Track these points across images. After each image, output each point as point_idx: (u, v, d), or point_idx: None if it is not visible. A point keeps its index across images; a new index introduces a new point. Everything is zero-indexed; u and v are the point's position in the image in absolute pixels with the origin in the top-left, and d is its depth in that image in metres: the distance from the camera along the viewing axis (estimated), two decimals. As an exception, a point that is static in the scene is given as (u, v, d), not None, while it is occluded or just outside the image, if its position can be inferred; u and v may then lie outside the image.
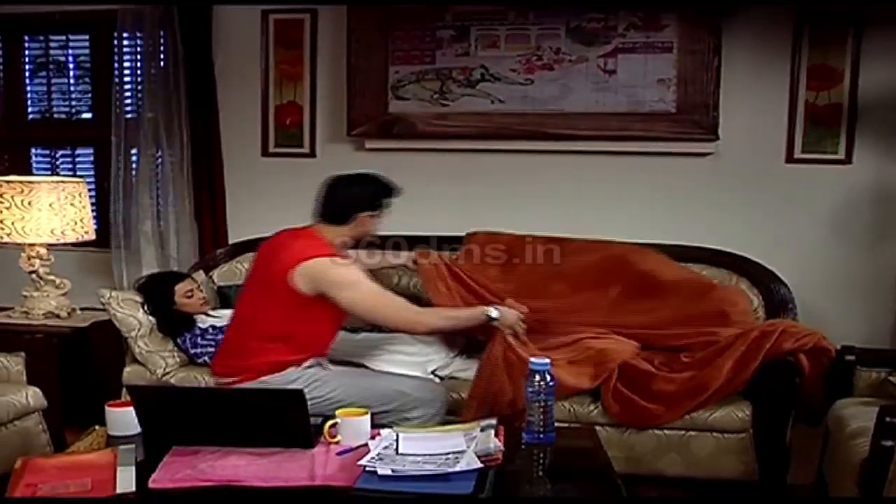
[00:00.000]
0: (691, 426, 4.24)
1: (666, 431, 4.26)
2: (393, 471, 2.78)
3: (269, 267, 3.92)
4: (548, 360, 3.17)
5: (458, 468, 2.78)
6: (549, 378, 3.13)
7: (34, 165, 6.47)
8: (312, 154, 5.89)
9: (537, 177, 5.59)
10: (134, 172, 5.92)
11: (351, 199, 4.01)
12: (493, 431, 3.08)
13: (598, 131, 5.36)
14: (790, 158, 5.30)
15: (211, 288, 5.41)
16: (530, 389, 3.13)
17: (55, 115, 6.36)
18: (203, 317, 4.91)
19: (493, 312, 4.00)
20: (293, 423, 3.08)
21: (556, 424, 3.19)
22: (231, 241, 5.93)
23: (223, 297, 5.35)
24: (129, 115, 5.87)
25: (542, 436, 3.12)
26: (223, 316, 4.86)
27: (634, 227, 5.33)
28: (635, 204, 5.48)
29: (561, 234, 5.22)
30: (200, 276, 5.35)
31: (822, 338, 4.30)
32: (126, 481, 2.80)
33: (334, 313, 3.88)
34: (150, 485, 2.81)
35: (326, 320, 3.93)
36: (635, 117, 5.30)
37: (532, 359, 3.19)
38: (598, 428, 4.00)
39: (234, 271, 5.57)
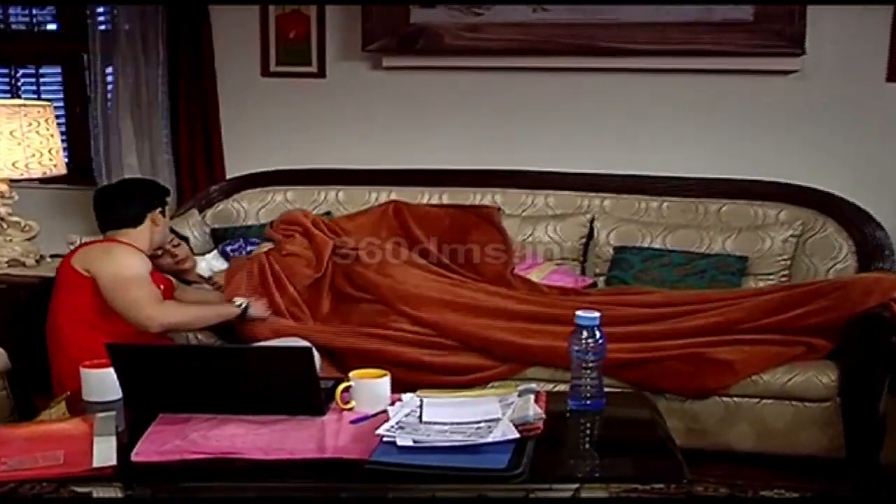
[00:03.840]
0: (765, 393, 4.28)
1: (735, 399, 4.30)
2: (415, 441, 2.80)
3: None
4: (596, 314, 3.19)
5: (491, 438, 2.79)
6: (598, 335, 3.16)
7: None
8: (321, 74, 5.91)
9: (585, 101, 5.61)
10: (110, 95, 5.94)
11: (140, 197, 4.45)
12: (532, 396, 3.09)
13: (659, 45, 5.34)
14: (892, 77, 5.26)
15: (204, 231, 5.47)
16: (576, 348, 3.16)
17: (13, 27, 6.36)
18: (195, 284, 5.02)
19: (240, 300, 4.51)
20: (300, 387, 3.11)
21: (606, 389, 3.23)
22: (228, 175, 5.97)
23: (218, 241, 5.42)
24: (102, 27, 5.88)
25: (589, 402, 3.16)
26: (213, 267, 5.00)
27: (700, 161, 5.37)
28: (702, 132, 5.49)
29: (612, 172, 5.26)
30: (194, 214, 5.40)
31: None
32: (104, 454, 2.81)
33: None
34: (133, 458, 2.84)
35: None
36: (705, 28, 5.27)
37: (579, 312, 3.21)
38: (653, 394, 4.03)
39: (231, 211, 5.63)
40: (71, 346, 4.09)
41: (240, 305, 4.45)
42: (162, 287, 4.30)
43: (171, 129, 6.00)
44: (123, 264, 4.15)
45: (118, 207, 4.37)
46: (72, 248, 4.70)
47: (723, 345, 4.32)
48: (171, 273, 4.84)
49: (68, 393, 3.46)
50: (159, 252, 4.79)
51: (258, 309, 4.56)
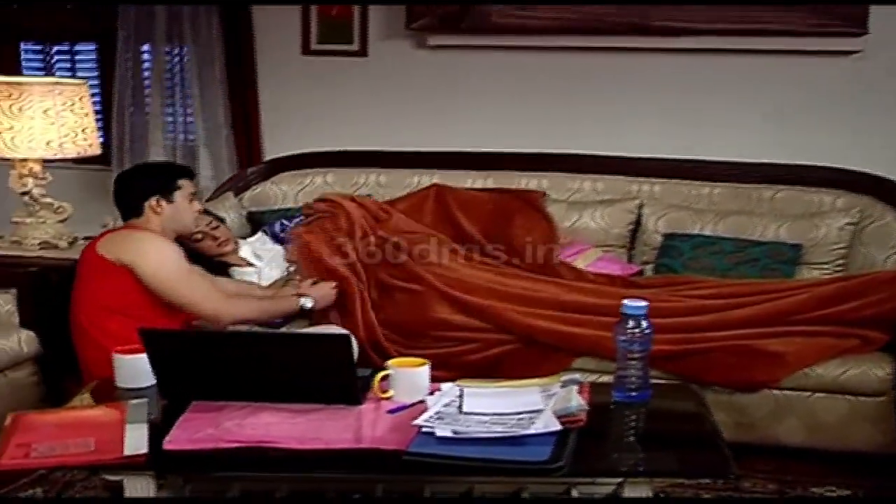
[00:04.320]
0: (817, 386, 4.27)
1: (785, 392, 4.29)
2: (454, 432, 2.81)
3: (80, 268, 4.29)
4: (643, 303, 3.20)
5: (532, 430, 2.79)
6: (644, 325, 3.17)
7: (24, 63, 6.53)
8: (363, 52, 5.92)
9: (635, 82, 5.61)
10: (146, 73, 5.98)
11: (136, 185, 4.37)
12: (576, 387, 3.09)
13: (715, 24, 5.32)
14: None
15: (240, 214, 5.50)
16: (622, 338, 3.17)
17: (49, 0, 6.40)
18: (237, 267, 5.05)
19: (308, 303, 4.53)
20: (337, 375, 3.13)
21: (652, 380, 3.24)
22: (266, 157, 6.00)
23: (255, 225, 5.45)
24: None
25: (634, 394, 3.17)
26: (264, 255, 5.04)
27: (754, 145, 5.35)
28: (757, 116, 5.48)
29: (662, 156, 5.26)
30: (230, 196, 5.43)
31: None
32: (137, 441, 2.83)
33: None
34: (166, 446, 2.86)
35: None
36: (763, 6, 5.24)
37: (625, 301, 3.22)
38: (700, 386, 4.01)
39: (269, 194, 5.66)
40: (97, 334, 4.11)
41: (304, 305, 4.51)
42: None
43: (206, 109, 6.01)
44: (159, 256, 4.16)
45: (120, 195, 4.37)
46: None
47: (774, 336, 4.31)
48: (213, 255, 4.93)
49: (94, 383, 3.49)
50: (199, 236, 4.85)
51: (324, 296, 4.64)
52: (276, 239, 5.24)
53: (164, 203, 4.31)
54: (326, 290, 4.66)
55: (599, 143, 5.54)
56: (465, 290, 4.64)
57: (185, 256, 4.29)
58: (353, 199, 5.23)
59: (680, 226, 5.27)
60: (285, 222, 5.30)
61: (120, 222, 4.59)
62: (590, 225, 5.37)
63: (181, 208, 4.37)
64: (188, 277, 4.20)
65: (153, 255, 4.13)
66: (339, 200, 5.17)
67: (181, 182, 4.39)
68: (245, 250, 5.12)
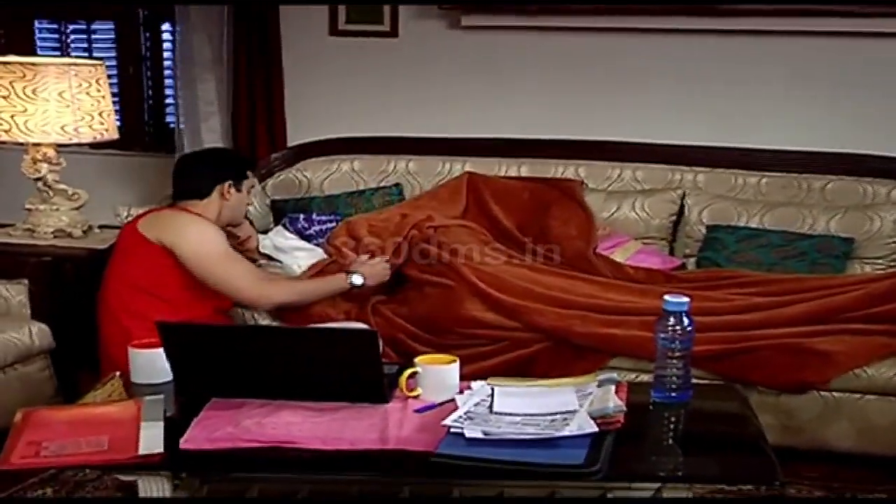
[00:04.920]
0: (869, 388, 4.23)
1: (835, 394, 4.25)
2: (485, 433, 2.80)
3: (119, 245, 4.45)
4: (685, 299, 3.18)
5: (567, 432, 2.78)
6: (686, 321, 3.16)
7: (38, 43, 6.56)
8: (394, 33, 5.92)
9: (679, 65, 5.58)
10: (170, 54, 5.98)
11: (212, 168, 4.55)
12: (613, 387, 3.08)
13: (764, 4, 5.29)
14: None
15: (264, 203, 5.50)
16: (662, 335, 3.16)
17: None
18: (261, 261, 5.08)
19: (357, 279, 4.58)
20: (362, 372, 3.14)
21: (693, 380, 3.23)
22: (290, 142, 6.00)
23: (278, 214, 5.45)
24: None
25: (674, 394, 3.16)
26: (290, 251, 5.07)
27: (804, 132, 5.34)
28: (806, 101, 5.46)
29: (706, 143, 5.24)
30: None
31: None
32: (152, 440, 2.84)
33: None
34: (182, 445, 2.87)
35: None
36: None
37: (666, 296, 3.20)
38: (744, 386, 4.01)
39: (294, 182, 5.66)
40: (120, 312, 4.20)
41: (353, 281, 4.55)
42: None
43: (231, 91, 6.02)
44: (201, 237, 4.28)
45: (188, 176, 4.49)
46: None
47: (823, 335, 4.27)
48: None
49: (117, 374, 3.48)
50: None
51: (376, 273, 4.69)
52: (299, 235, 5.23)
53: (233, 190, 4.48)
54: (380, 267, 4.72)
55: (640, 130, 5.52)
56: (498, 288, 4.61)
57: (226, 240, 4.40)
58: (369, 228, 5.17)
59: (724, 217, 5.25)
60: (315, 217, 5.31)
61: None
62: (629, 216, 5.37)
63: (243, 198, 4.57)
64: (228, 260, 4.32)
65: (195, 235, 4.26)
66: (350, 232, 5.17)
67: (249, 173, 4.60)
68: (266, 244, 5.12)
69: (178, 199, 4.48)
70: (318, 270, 4.85)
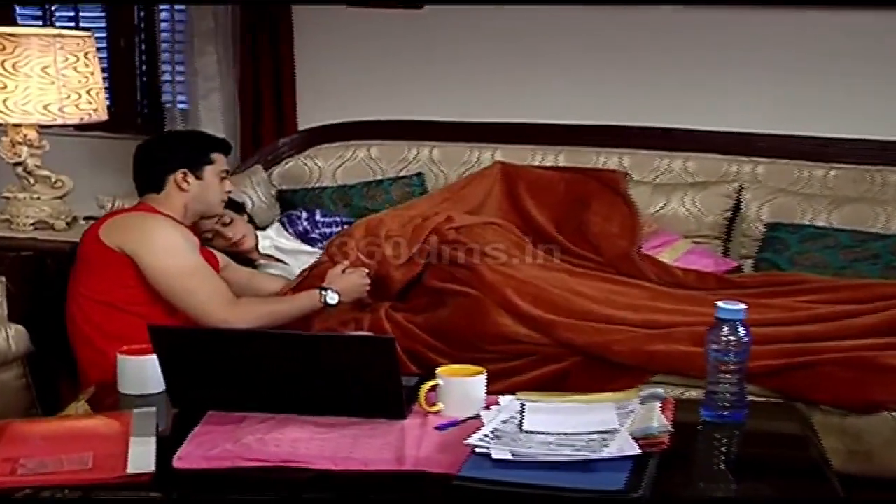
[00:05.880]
0: (948, 408, 4.23)
1: (908, 415, 4.25)
2: (513, 454, 2.80)
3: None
4: (741, 306, 3.18)
5: (605, 454, 2.78)
6: (741, 331, 3.15)
7: (18, 10, 6.57)
8: (416, 4, 5.91)
9: (734, 44, 5.61)
10: (166, 25, 6.00)
11: (162, 155, 4.51)
12: (657, 404, 3.08)
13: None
14: None
15: (269, 193, 5.52)
16: (714, 347, 3.16)
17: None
18: (261, 262, 5.09)
19: (332, 297, 4.40)
20: (377, 384, 3.14)
21: (748, 397, 3.22)
22: (300, 126, 6.02)
23: (285, 206, 5.46)
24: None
25: (727, 413, 3.15)
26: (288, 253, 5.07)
27: (880, 119, 5.33)
28: (883, 86, 5.43)
29: (767, 131, 5.26)
30: (258, 171, 5.44)
31: None
32: (142, 458, 2.83)
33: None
34: (176, 463, 2.87)
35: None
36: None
37: (719, 303, 3.20)
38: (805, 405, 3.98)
39: (303, 170, 5.68)
40: (93, 333, 4.19)
41: (326, 300, 4.39)
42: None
43: (234, 67, 6.04)
44: (166, 246, 4.19)
45: (142, 166, 4.46)
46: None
47: (896, 348, 4.28)
48: (232, 257, 4.89)
49: (92, 388, 3.51)
50: (209, 235, 4.84)
51: (352, 287, 4.55)
52: (301, 238, 5.23)
53: (191, 178, 4.39)
54: (356, 280, 4.58)
55: (692, 115, 5.52)
56: (530, 299, 4.55)
57: (198, 247, 4.33)
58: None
59: (787, 214, 5.25)
60: (319, 219, 5.30)
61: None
62: (679, 211, 5.38)
63: (210, 186, 4.46)
64: (195, 276, 4.21)
65: (159, 242, 4.19)
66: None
67: (214, 156, 4.48)
68: (265, 244, 5.12)
69: (140, 194, 4.47)
70: (297, 284, 4.75)
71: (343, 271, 4.57)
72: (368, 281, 4.62)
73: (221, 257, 4.66)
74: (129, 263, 4.14)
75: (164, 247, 4.17)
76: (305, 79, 6.06)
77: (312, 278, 4.66)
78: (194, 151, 4.49)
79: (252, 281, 4.77)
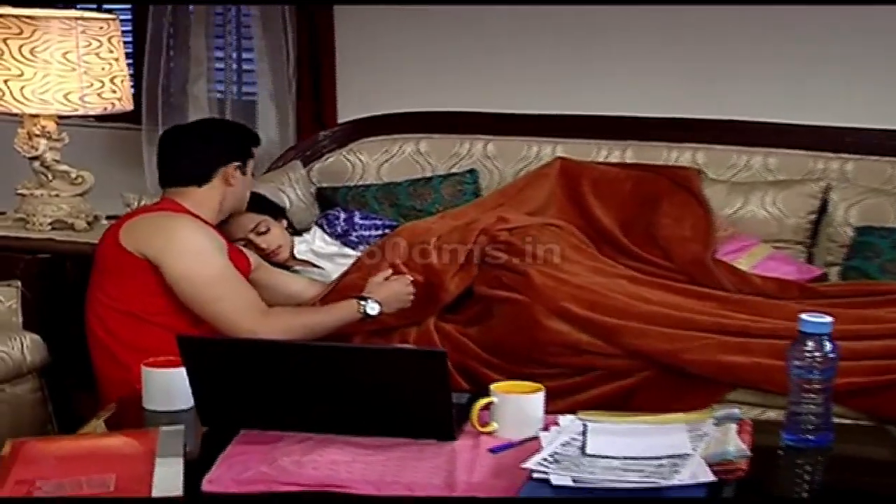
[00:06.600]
0: None
1: None
2: (575, 480, 2.79)
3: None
4: (827, 319, 3.16)
5: (677, 481, 2.76)
6: (827, 347, 3.13)
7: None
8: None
9: (821, 28, 5.57)
10: (192, 8, 6.04)
11: (214, 145, 4.44)
12: (734, 426, 3.08)
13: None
14: None
15: (308, 191, 5.52)
16: (797, 363, 3.14)
17: None
18: (299, 267, 5.08)
19: (373, 307, 4.35)
20: (426, 402, 3.14)
21: (835, 419, 3.20)
22: (342, 118, 6.02)
23: (325, 205, 5.47)
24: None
25: (811, 437, 3.14)
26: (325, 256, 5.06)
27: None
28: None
29: (857, 125, 5.23)
30: (297, 167, 5.45)
31: None
32: (168, 480, 2.83)
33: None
34: (205, 487, 2.87)
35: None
36: None
37: (803, 315, 3.18)
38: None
39: (345, 166, 5.69)
40: (114, 346, 4.17)
41: (366, 310, 4.34)
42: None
43: (269, 55, 6.06)
44: (192, 249, 4.14)
45: (180, 157, 4.38)
46: (129, 210, 4.74)
47: None
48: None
49: (113, 406, 3.52)
50: (241, 244, 4.78)
51: (394, 296, 4.50)
52: (340, 239, 5.23)
53: (238, 173, 4.39)
54: (398, 288, 4.56)
55: (774, 107, 5.50)
56: (588, 306, 4.54)
57: (226, 249, 4.28)
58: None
59: (878, 216, 5.24)
60: (358, 221, 5.29)
61: (146, 201, 4.60)
62: (758, 213, 5.36)
63: (249, 184, 4.49)
64: (223, 283, 4.17)
65: (185, 246, 4.15)
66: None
67: (254, 151, 4.49)
68: (301, 248, 5.12)
69: (167, 185, 4.38)
70: (331, 290, 4.73)
71: (385, 279, 4.56)
72: (412, 289, 4.59)
73: (253, 257, 4.63)
74: (151, 269, 4.10)
75: (189, 250, 4.13)
76: (347, 67, 6.07)
77: (345, 288, 4.66)
78: (245, 143, 4.49)
79: (288, 284, 4.77)
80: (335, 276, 4.90)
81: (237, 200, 4.48)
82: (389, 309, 4.45)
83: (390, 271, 4.62)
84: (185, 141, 4.45)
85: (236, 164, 4.37)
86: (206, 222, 4.30)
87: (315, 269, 5.07)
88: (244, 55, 6.25)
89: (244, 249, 4.61)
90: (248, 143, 4.50)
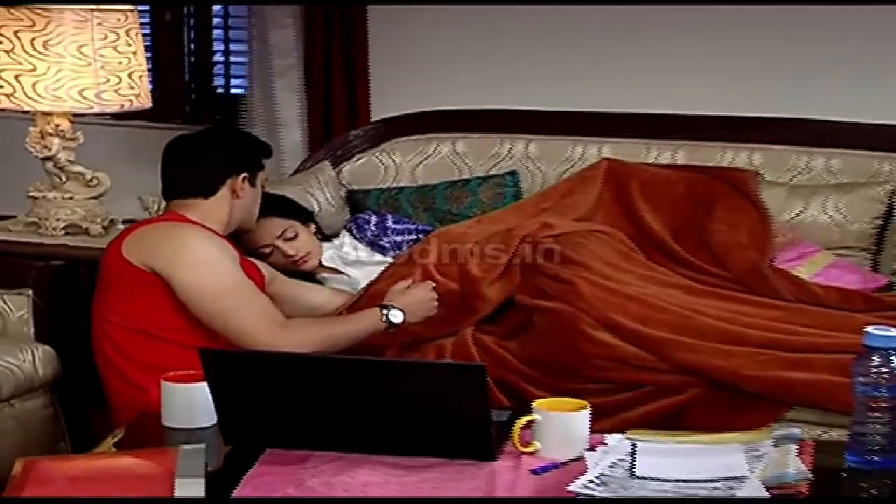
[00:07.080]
0: None
1: None
2: (623, 503, 2.82)
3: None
4: (895, 332, 3.14)
5: None
6: (894, 362, 3.10)
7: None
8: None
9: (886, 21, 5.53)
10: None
11: (222, 155, 4.43)
12: (794, 447, 3.08)
13: None
14: None
15: (339, 194, 5.53)
16: (862, 380, 3.12)
17: None
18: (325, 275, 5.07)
19: (396, 315, 4.33)
20: (464, 419, 3.13)
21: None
22: (374, 116, 6.03)
23: (355, 209, 5.47)
24: None
25: (876, 458, 3.11)
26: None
27: None
28: None
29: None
30: (326, 168, 5.46)
31: None
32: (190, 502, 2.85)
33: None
34: (230, 508, 2.90)
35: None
36: None
37: (869, 328, 3.16)
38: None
39: (378, 167, 5.69)
40: (123, 364, 4.15)
41: (390, 318, 4.31)
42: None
43: (301, 51, 6.07)
44: (201, 259, 4.13)
45: (185, 167, 4.37)
46: (149, 213, 4.74)
47: None
48: (286, 271, 4.87)
49: (122, 430, 3.51)
50: (266, 250, 4.82)
51: (419, 303, 4.50)
52: (371, 245, 5.22)
53: (246, 185, 4.38)
54: (421, 295, 4.56)
55: (837, 104, 5.48)
56: (639, 319, 4.51)
57: (238, 259, 4.28)
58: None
59: (950, 222, 5.20)
60: (391, 225, 5.28)
61: (164, 205, 4.59)
62: (820, 218, 5.33)
63: (258, 196, 4.48)
64: (237, 294, 4.14)
65: (193, 257, 4.14)
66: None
67: (265, 161, 4.50)
68: (328, 255, 5.10)
69: (173, 197, 4.39)
70: (359, 298, 4.73)
71: (408, 287, 4.55)
72: (436, 295, 4.59)
73: (267, 270, 4.62)
74: (159, 283, 4.09)
75: (198, 261, 4.12)
76: (380, 62, 6.07)
77: (374, 296, 4.63)
78: (255, 154, 4.50)
79: (310, 297, 4.76)
80: (364, 284, 4.89)
81: (246, 213, 4.47)
82: (414, 318, 4.44)
83: (411, 280, 4.63)
84: (191, 151, 4.44)
85: (245, 175, 4.38)
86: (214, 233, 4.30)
87: (343, 277, 5.05)
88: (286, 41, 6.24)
89: (257, 262, 4.59)
90: (257, 154, 4.53)
